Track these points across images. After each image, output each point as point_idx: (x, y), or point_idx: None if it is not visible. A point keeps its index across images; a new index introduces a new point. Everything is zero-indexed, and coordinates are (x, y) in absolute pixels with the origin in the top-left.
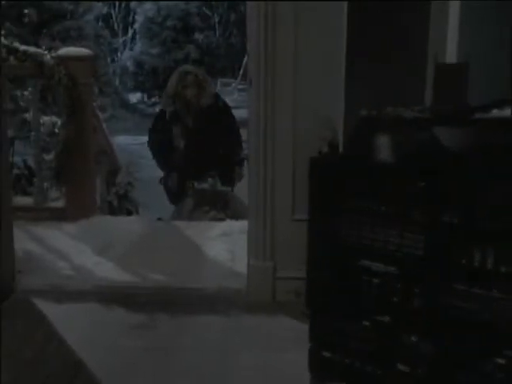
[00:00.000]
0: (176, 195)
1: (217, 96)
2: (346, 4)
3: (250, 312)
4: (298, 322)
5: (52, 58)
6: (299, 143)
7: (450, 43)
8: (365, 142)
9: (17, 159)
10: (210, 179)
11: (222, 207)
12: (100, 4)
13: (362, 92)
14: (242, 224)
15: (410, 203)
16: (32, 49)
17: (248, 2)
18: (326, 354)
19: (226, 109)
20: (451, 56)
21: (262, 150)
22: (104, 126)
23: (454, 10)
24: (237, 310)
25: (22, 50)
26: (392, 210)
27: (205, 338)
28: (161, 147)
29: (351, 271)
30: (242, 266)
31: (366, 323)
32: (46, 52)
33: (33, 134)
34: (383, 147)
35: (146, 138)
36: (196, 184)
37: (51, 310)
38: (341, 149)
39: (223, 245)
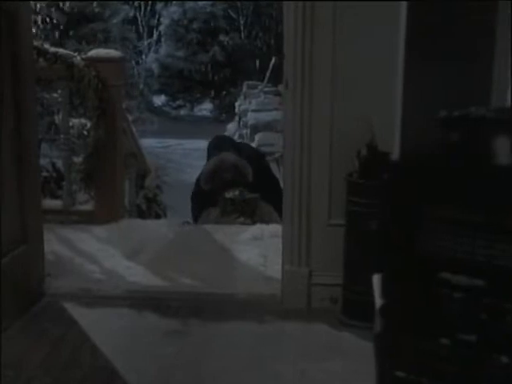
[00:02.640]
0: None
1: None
2: (403, 4)
3: (285, 319)
4: (335, 330)
5: (82, 59)
6: (336, 145)
7: None
8: (447, 144)
9: (43, 162)
10: (239, 189)
11: (250, 214)
12: (127, 7)
13: (424, 93)
14: (273, 228)
15: (503, 210)
16: (62, 50)
17: (285, 2)
18: (400, 374)
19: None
20: None
21: (298, 153)
22: (134, 128)
23: None
24: (271, 316)
25: (52, 52)
26: (481, 218)
27: (239, 345)
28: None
29: (429, 284)
30: (274, 271)
31: (446, 341)
32: (75, 54)
33: (62, 136)
34: (471, 149)
35: (171, 142)
36: (225, 194)
37: (82, 315)
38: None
39: (254, 249)
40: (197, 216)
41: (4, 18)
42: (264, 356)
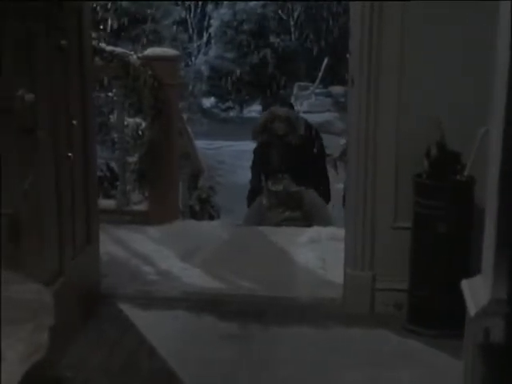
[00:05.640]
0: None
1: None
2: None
3: (347, 324)
4: (399, 337)
5: (138, 58)
6: (403, 144)
7: None
8: None
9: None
10: (284, 181)
11: (297, 207)
12: (179, 8)
13: None
14: (331, 230)
15: None
16: (118, 49)
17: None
18: None
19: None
20: None
21: (363, 153)
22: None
23: None
24: (333, 321)
25: (108, 51)
26: None
27: (302, 350)
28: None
29: None
30: (334, 275)
31: None
32: (131, 52)
33: (116, 135)
34: None
35: (220, 143)
36: (270, 185)
37: (138, 317)
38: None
39: (312, 252)
40: (254, 187)
41: (71, 17)
42: (329, 362)
